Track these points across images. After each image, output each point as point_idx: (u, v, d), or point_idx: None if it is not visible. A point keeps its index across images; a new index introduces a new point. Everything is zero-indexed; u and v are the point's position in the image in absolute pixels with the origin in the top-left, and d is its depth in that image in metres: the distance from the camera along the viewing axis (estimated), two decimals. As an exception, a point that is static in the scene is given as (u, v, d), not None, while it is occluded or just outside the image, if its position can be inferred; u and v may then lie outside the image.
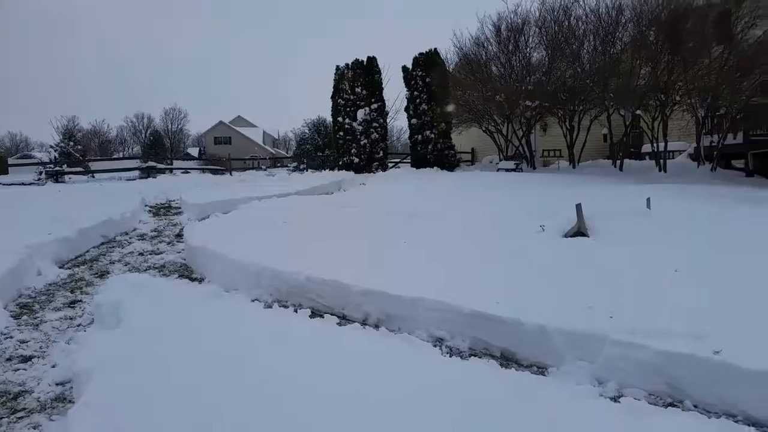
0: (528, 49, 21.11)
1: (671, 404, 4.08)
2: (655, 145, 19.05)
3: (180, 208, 13.42)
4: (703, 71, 16.88)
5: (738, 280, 5.78)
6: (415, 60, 23.34)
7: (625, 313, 4.91)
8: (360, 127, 22.23)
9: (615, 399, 3.98)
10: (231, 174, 24.44)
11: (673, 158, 21.05)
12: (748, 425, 3.73)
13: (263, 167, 31.20)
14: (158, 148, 50.13)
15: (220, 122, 67.40)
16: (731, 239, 7.59)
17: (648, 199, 9.21)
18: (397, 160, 27.30)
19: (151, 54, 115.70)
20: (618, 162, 20.00)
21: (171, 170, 27.75)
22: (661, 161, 18.70)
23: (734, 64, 16.44)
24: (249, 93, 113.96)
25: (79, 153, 31.41)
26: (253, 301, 6.48)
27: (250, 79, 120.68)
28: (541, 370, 4.77)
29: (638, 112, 18.91)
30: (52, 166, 24.60)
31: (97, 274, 8.02)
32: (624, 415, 3.30)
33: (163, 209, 13.62)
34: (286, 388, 3.70)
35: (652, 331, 4.47)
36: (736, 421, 3.79)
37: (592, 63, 19.47)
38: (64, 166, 25.55)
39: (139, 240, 10.24)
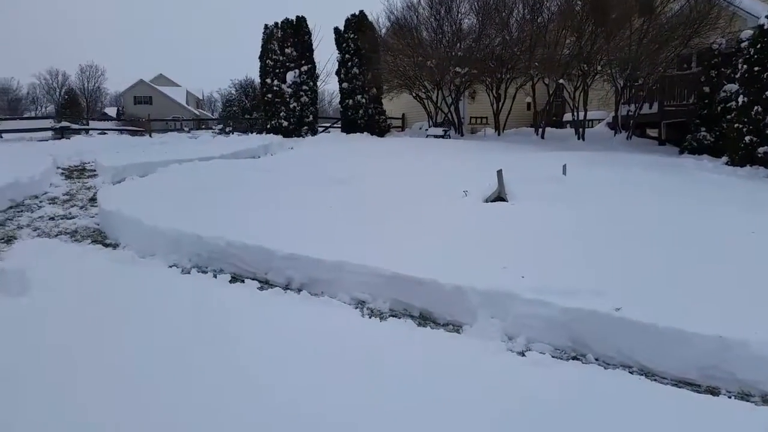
0: (459, 15, 21.16)
1: (574, 357, 4.34)
2: (575, 113, 19.74)
3: (95, 170, 12.77)
4: (624, 42, 17.51)
5: (638, 242, 6.16)
6: (347, 22, 22.91)
7: (536, 273, 5.15)
8: (290, 90, 21.71)
9: (522, 353, 4.19)
10: (151, 136, 23.31)
11: (592, 127, 21.90)
12: (641, 375, 4.04)
13: (186, 129, 29.97)
14: (73, 108, 47.23)
15: (141, 81, 64.06)
16: (640, 204, 8.03)
17: (564, 166, 9.59)
18: (328, 124, 26.96)
19: (66, 7, 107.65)
20: (540, 130, 20.62)
21: (87, 131, 26.25)
22: (581, 129, 19.43)
23: (653, 36, 17.14)
24: (172, 50, 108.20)
25: (-17, 111, 29.15)
26: (170, 266, 6.31)
27: (174, 34, 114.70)
28: (456, 328, 4.95)
29: (561, 81, 19.45)
30: (-48, 124, 22.73)
31: (2, 239, 7.55)
32: (525, 367, 3.49)
33: (76, 172, 12.91)
34: (198, 353, 3.66)
35: (559, 289, 4.71)
36: (631, 372, 4.09)
37: (520, 31, 19.79)
38: (-33, 125, 23.66)
39: (50, 204, 9.69)
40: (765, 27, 12.68)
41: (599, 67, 18.52)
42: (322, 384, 3.26)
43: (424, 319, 5.20)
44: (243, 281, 5.92)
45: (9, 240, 7.50)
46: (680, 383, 3.89)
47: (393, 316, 5.24)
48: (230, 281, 5.86)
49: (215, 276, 6.01)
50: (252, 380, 3.30)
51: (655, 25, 17.24)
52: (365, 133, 21.96)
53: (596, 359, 4.28)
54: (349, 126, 22.81)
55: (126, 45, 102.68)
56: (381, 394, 3.15)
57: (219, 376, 3.34)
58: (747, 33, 13.68)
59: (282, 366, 3.48)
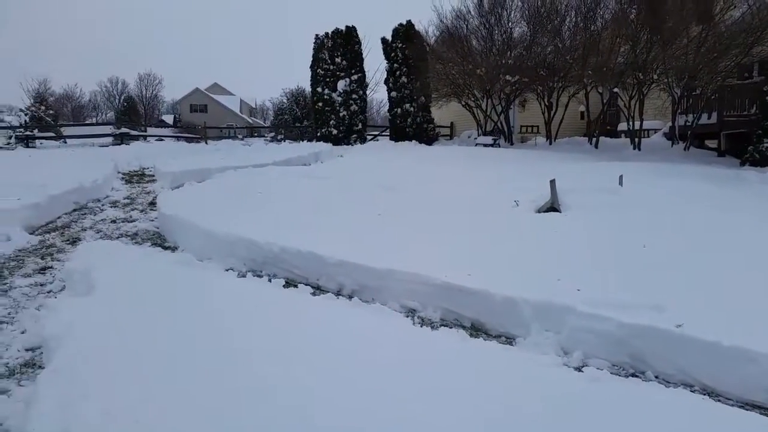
0: (510, 23, 21.03)
1: (633, 375, 4.23)
2: (630, 123, 19.25)
3: (153, 175, 13.24)
4: (681, 51, 17.01)
5: (700, 255, 5.95)
6: (395, 31, 23.08)
7: (592, 286, 5.04)
8: (339, 99, 21.99)
9: (579, 369, 4.11)
10: (206, 143, 24.02)
11: (648, 137, 21.28)
12: (704, 394, 3.90)
13: (239, 136, 30.77)
14: (132, 115, 49.14)
15: (196, 89, 66.04)
16: (699, 218, 7.77)
17: (621, 177, 9.36)
18: (376, 132, 27.13)
19: (126, 18, 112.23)
20: (594, 139, 20.20)
21: (145, 137, 27.25)
22: (636, 139, 18.93)
23: (712, 44, 16.59)
24: (227, 59, 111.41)
25: (50, 117, 30.60)
26: (226, 270, 6.48)
27: (229, 45, 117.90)
28: (509, 340, 4.89)
29: (616, 90, 19.03)
30: (22, 130, 23.89)
31: (68, 240, 7.92)
32: (583, 383, 3.42)
33: (136, 176, 13.42)
34: (258, 353, 3.74)
35: (617, 303, 4.60)
36: (693, 391, 3.96)
37: (572, 39, 19.50)
38: (35, 131, 24.87)
39: (111, 207, 10.10)
40: (836, 34, 12.10)
41: (655, 76, 18.03)
42: (374, 392, 3.29)
43: (476, 330, 5.16)
44: (296, 286, 6.02)
45: (74, 241, 7.86)
46: (746, 405, 3.74)
47: (444, 325, 5.22)
48: (284, 286, 5.96)
49: (270, 280, 6.14)
50: (305, 382, 3.35)
51: (713, 33, 16.66)
52: (413, 141, 22.01)
53: (656, 377, 4.16)
54: (398, 134, 22.90)
55: (182, 54, 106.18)
56: (436, 404, 3.15)
57: (276, 378, 3.41)
58: (816, 40, 13.08)
59: (337, 371, 3.52)
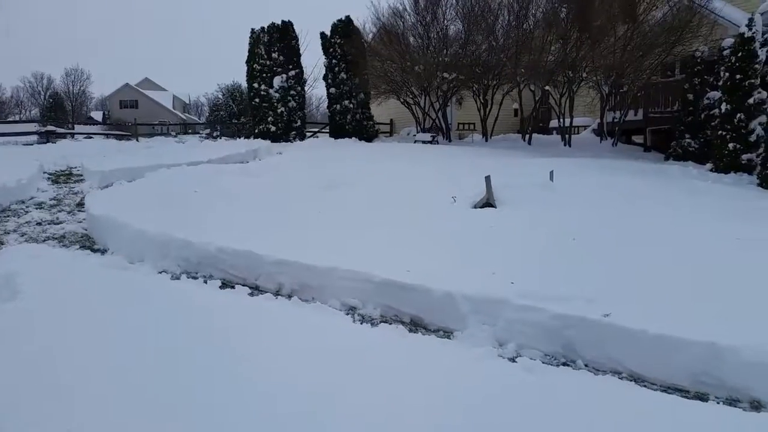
0: (446, 21, 21.30)
1: (564, 363, 4.39)
2: (561, 120, 19.91)
3: (81, 175, 12.65)
4: (608, 49, 17.72)
5: (629, 248, 6.23)
6: (334, 27, 22.93)
7: (526, 279, 5.20)
8: (277, 95, 21.64)
9: (512, 359, 4.23)
10: (137, 140, 23.15)
11: (578, 133, 22.09)
12: (630, 380, 4.09)
13: (173, 133, 29.85)
14: (59, 112, 46.81)
15: (126, 85, 63.38)
16: (627, 211, 8.13)
17: (551, 172, 9.68)
18: (316, 129, 26.91)
19: (50, 9, 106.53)
20: (527, 136, 20.78)
21: (72, 135, 25.98)
22: (567, 136, 19.60)
23: (637, 43, 17.35)
24: (158, 53, 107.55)
25: (-34, 114, 28.76)
26: (159, 272, 6.29)
27: (160, 38, 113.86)
28: (447, 334, 4.98)
29: (547, 87, 19.61)
30: (-66, 128, 22.37)
31: (-12, 245, 7.48)
32: (517, 372, 3.53)
33: (63, 176, 12.79)
34: (190, 362, 3.65)
35: (549, 295, 4.76)
36: (621, 378, 4.15)
37: (506, 38, 19.93)
38: (-51, 129, 23.33)
39: (36, 209, 9.59)
40: (746, 35, 12.91)
41: (584, 74, 18.70)
42: (312, 396, 3.28)
43: (415, 326, 5.23)
44: (233, 287, 5.92)
45: (-5, 245, 7.43)
46: (670, 389, 3.95)
47: (384, 322, 5.26)
48: (220, 287, 5.85)
49: (206, 282, 6.00)
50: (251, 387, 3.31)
51: (638, 32, 17.46)
52: (353, 138, 21.95)
53: (586, 365, 4.33)
54: (337, 131, 22.80)
55: (111, 49, 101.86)
56: (373, 399, 3.17)
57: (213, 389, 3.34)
58: (728, 41, 13.90)
59: (275, 371, 3.49)
